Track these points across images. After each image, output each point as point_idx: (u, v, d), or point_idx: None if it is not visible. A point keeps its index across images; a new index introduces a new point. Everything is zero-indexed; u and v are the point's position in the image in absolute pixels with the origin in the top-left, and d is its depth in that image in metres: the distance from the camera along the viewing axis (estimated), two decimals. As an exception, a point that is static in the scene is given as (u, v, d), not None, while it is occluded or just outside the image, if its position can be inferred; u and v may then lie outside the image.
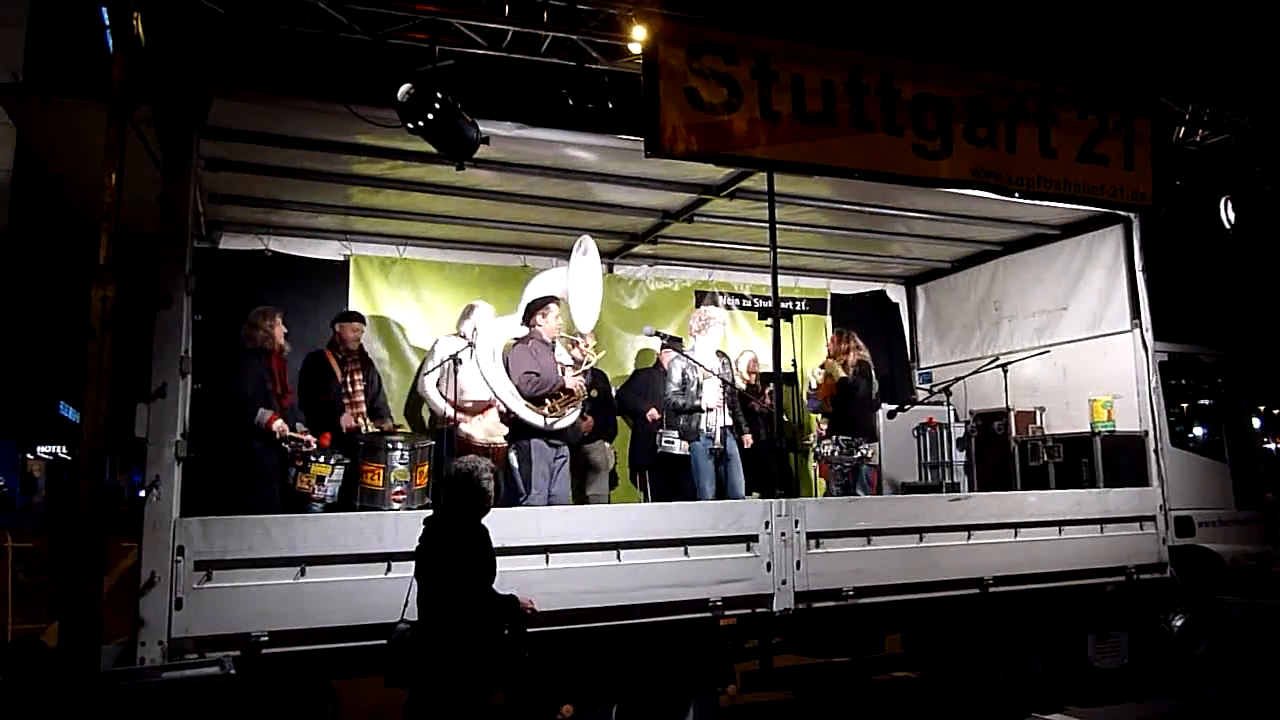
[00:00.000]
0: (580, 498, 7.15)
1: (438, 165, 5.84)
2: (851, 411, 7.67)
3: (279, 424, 5.84)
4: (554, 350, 6.44)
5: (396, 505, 5.87)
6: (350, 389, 6.43)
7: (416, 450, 6.03)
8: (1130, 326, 7.31)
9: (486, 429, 6.80)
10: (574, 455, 6.86)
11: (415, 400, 7.48)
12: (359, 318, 6.79)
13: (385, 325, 7.71)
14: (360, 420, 6.40)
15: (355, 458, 5.90)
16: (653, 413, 7.26)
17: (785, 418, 6.67)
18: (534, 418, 6.09)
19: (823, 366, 7.94)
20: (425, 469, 6.12)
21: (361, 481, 5.85)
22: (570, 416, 6.34)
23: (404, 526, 4.66)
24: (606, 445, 7.63)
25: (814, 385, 8.00)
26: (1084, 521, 6.53)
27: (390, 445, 5.95)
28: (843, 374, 7.67)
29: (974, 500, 6.54)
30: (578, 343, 6.71)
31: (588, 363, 6.73)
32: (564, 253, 6.86)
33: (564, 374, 6.32)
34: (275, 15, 5.18)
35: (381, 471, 5.84)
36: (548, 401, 6.13)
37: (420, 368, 7.38)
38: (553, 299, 6.45)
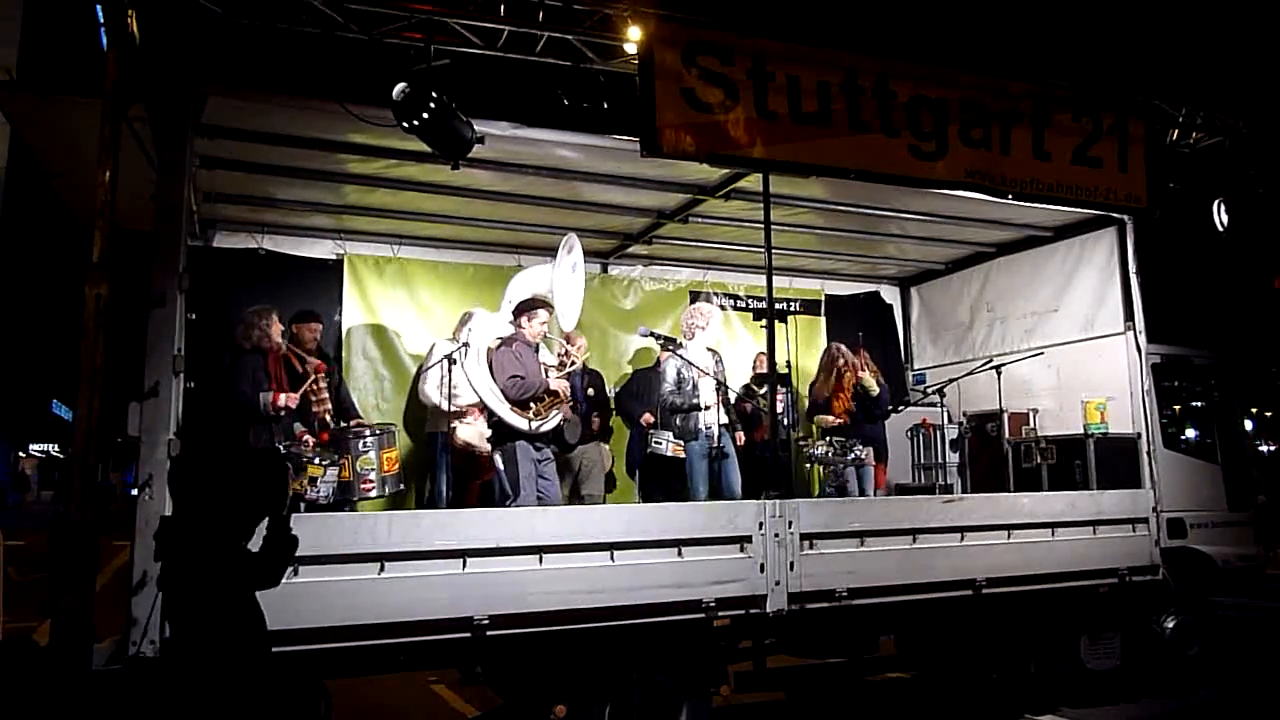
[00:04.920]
0: (575, 499, 7.12)
1: (432, 164, 5.83)
2: (864, 420, 7.63)
3: (284, 397, 5.82)
4: (538, 352, 6.42)
5: (370, 494, 5.86)
6: (315, 386, 6.39)
7: (381, 437, 6.03)
8: (1123, 329, 7.31)
9: (479, 431, 6.79)
10: (569, 457, 6.84)
11: (415, 403, 7.42)
12: (315, 317, 6.69)
13: (379, 325, 7.67)
14: (329, 418, 6.38)
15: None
16: (646, 416, 7.18)
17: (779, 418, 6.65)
18: (519, 421, 6.05)
19: (839, 384, 7.69)
20: (394, 455, 6.16)
21: (337, 477, 5.84)
22: (555, 418, 6.29)
23: (397, 526, 4.67)
24: (604, 446, 7.61)
25: (822, 398, 7.79)
26: (1077, 523, 6.53)
27: (353, 434, 5.97)
28: (876, 384, 7.62)
29: (967, 502, 6.54)
30: (563, 343, 6.67)
31: (573, 363, 6.71)
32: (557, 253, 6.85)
33: (548, 375, 6.29)
34: (271, 13, 5.17)
35: (349, 463, 5.85)
36: (532, 405, 6.10)
37: (418, 370, 7.36)
38: (543, 304, 6.42)
